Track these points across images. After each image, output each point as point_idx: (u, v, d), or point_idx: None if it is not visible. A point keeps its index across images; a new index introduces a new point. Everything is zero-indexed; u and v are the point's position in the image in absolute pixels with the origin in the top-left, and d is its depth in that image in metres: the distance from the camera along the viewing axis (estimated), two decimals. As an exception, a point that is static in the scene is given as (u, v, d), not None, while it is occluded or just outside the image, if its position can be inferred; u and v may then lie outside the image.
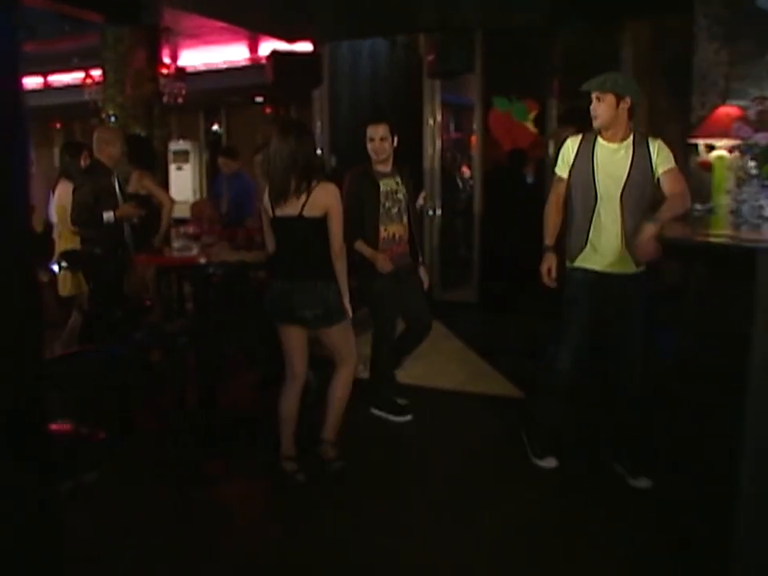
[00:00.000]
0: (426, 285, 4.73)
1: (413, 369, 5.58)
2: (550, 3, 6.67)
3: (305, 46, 8.39)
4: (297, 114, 10.81)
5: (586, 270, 3.70)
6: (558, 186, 3.83)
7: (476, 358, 5.93)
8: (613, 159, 3.62)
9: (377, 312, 4.60)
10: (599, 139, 3.67)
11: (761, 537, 2.36)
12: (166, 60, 9.61)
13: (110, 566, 3.08)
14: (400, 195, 4.50)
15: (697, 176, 5.17)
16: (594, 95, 3.60)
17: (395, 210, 4.49)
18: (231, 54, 10.45)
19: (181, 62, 10.50)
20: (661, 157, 3.59)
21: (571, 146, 3.75)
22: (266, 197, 3.71)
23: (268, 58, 7.77)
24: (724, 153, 4.67)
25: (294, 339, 3.76)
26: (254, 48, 10.20)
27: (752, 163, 3.64)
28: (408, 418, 4.67)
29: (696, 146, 5.15)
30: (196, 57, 10.46)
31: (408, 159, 5.64)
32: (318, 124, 8.33)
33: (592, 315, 3.72)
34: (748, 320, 2.22)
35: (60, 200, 5.63)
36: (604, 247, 3.63)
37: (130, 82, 7.18)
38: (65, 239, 5.67)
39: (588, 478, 3.83)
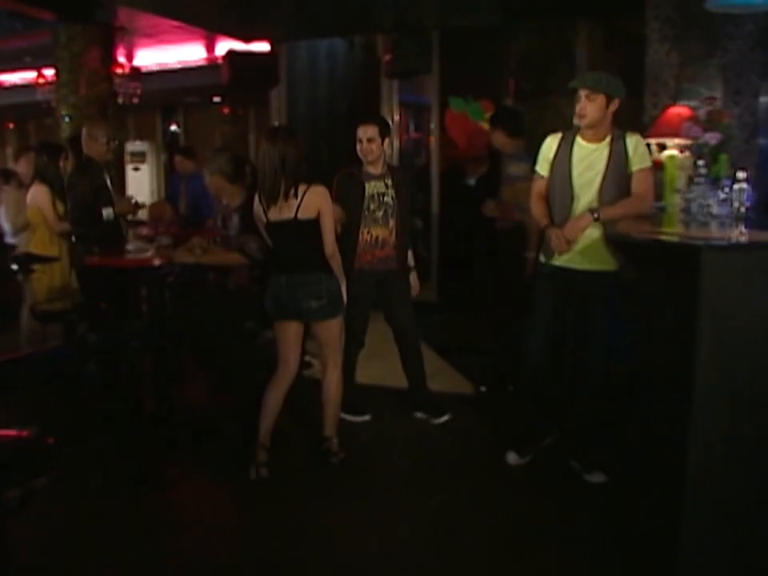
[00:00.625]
0: (415, 291, 4.68)
1: (371, 369, 5.59)
2: (505, 3, 6.74)
3: (262, 46, 8.35)
4: (255, 114, 10.75)
5: (560, 268, 3.72)
6: (539, 184, 3.82)
7: (434, 356, 5.97)
8: (590, 159, 3.63)
9: (348, 311, 4.47)
10: (578, 139, 3.68)
11: (706, 529, 2.41)
12: (121, 59, 9.50)
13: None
14: (388, 198, 4.41)
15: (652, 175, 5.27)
16: (583, 93, 3.55)
17: (380, 212, 4.41)
18: (188, 53, 10.37)
19: (136, 62, 10.39)
20: (637, 155, 3.61)
21: (550, 143, 3.76)
22: (256, 203, 3.83)
23: (224, 57, 7.72)
24: (675, 152, 4.74)
25: (292, 335, 3.91)
26: (210, 48, 10.13)
27: (701, 162, 3.72)
28: (366, 417, 4.67)
29: (648, 145, 5.23)
30: (152, 56, 10.35)
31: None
32: (276, 124, 8.28)
33: (564, 310, 3.76)
34: (694, 317, 2.26)
35: (35, 202, 5.39)
36: (579, 245, 3.64)
37: (83, 82, 7.10)
38: (41, 243, 5.42)
39: (546, 473, 3.86)
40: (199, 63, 10.50)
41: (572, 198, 3.64)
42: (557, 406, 3.94)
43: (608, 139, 3.62)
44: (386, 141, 4.42)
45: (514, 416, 4.33)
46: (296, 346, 3.94)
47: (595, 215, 3.51)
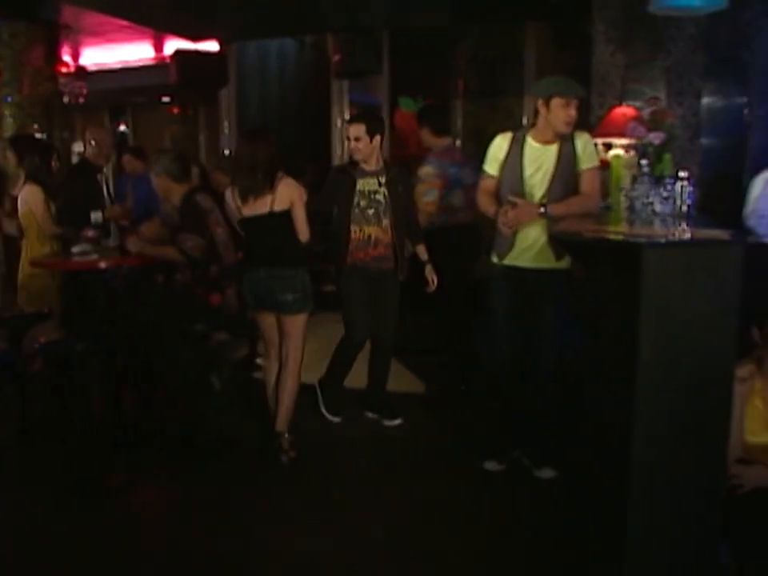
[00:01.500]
0: (431, 287, 4.58)
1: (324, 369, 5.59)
2: (454, 5, 6.77)
3: (210, 46, 8.26)
4: (205, 114, 10.63)
5: (511, 267, 3.75)
6: (487, 183, 3.81)
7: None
8: (541, 160, 3.66)
9: (344, 312, 4.52)
10: (529, 139, 3.70)
11: (651, 520, 2.45)
12: (67, 58, 9.31)
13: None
14: (380, 196, 4.32)
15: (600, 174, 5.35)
16: (574, 101, 3.57)
17: (371, 210, 4.32)
18: (136, 52, 10.18)
19: (83, 61, 10.18)
20: (585, 154, 3.67)
21: (501, 143, 3.76)
22: (229, 198, 3.96)
23: (171, 57, 7.63)
24: (621, 152, 4.82)
25: (269, 324, 4.14)
26: (159, 47, 9.96)
27: (644, 161, 3.78)
28: (339, 419, 4.65)
29: (595, 145, 5.30)
30: (99, 55, 10.15)
31: (317, 159, 5.66)
32: (226, 124, 8.22)
33: (518, 309, 3.79)
34: (637, 313, 2.30)
35: (27, 204, 5.21)
36: (530, 245, 3.68)
37: (27, 81, 6.94)
38: (32, 247, 5.24)
39: (499, 470, 3.90)
40: (147, 62, 10.33)
41: (523, 198, 3.66)
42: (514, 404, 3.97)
43: (558, 141, 3.66)
44: (377, 138, 4.28)
45: (476, 416, 4.36)
46: (275, 333, 4.12)
47: (542, 210, 3.55)
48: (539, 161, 3.66)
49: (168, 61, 8.44)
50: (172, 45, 8.96)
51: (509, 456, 3.93)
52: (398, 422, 4.60)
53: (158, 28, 8.42)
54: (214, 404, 4.11)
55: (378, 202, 4.32)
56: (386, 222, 4.34)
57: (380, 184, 4.33)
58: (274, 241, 3.94)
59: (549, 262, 3.65)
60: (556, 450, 3.83)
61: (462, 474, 3.94)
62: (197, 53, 7.91)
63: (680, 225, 2.98)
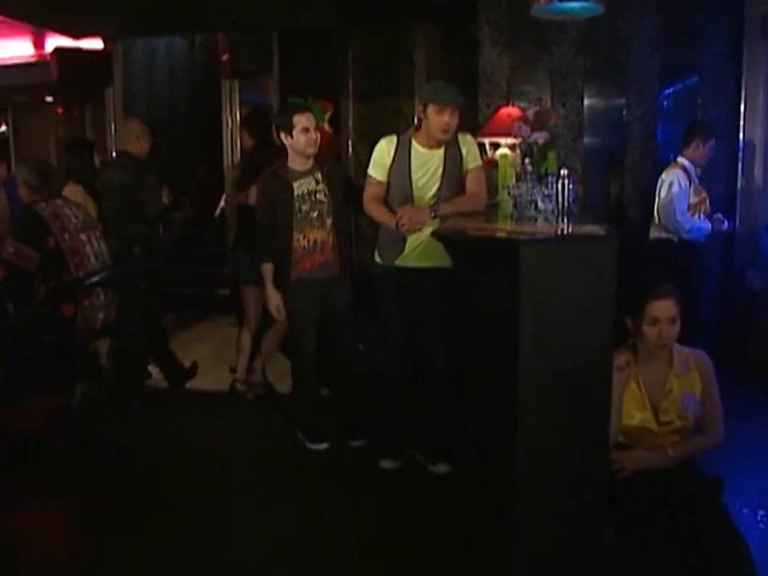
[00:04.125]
0: None
1: (220, 373, 5.52)
2: (343, 5, 6.79)
3: (95, 43, 7.98)
4: (92, 114, 10.26)
5: (396, 267, 3.77)
6: (375, 189, 3.76)
7: (282, 359, 5.95)
8: (429, 164, 3.69)
9: (292, 331, 4.26)
10: (414, 144, 3.71)
11: (537, 510, 2.53)
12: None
13: None
14: (321, 196, 4.05)
15: (485, 173, 5.46)
16: (449, 108, 3.56)
17: (315, 213, 4.03)
18: (15, 49, 9.73)
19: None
20: (470, 155, 3.73)
21: (387, 148, 3.74)
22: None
23: (51, 55, 7.32)
24: (507, 151, 4.93)
25: (254, 296, 4.88)
26: (39, 44, 9.55)
27: (527, 160, 3.88)
28: (324, 446, 4.25)
29: (483, 144, 5.41)
30: (-26, 52, 9.65)
31: (208, 160, 5.56)
32: (112, 125, 7.96)
33: (405, 308, 3.82)
34: (517, 308, 2.36)
35: None
36: (418, 246, 3.70)
37: None
38: None
39: (396, 469, 3.94)
40: (28, 60, 9.88)
41: (412, 202, 3.69)
42: (407, 402, 4.01)
43: (444, 146, 3.70)
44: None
45: (370, 415, 4.36)
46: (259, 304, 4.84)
47: (432, 214, 3.59)
48: (427, 165, 3.70)
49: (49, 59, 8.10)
50: (54, 42, 8.61)
51: (404, 453, 3.96)
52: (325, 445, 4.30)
53: (36, 24, 8.07)
54: (102, 395, 3.98)
55: (320, 202, 4.05)
56: (329, 222, 4.07)
57: (318, 182, 4.07)
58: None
59: (433, 260, 3.69)
60: (451, 445, 3.89)
61: (357, 473, 3.95)
62: (78, 50, 7.62)
63: (561, 221, 3.07)
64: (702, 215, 5.03)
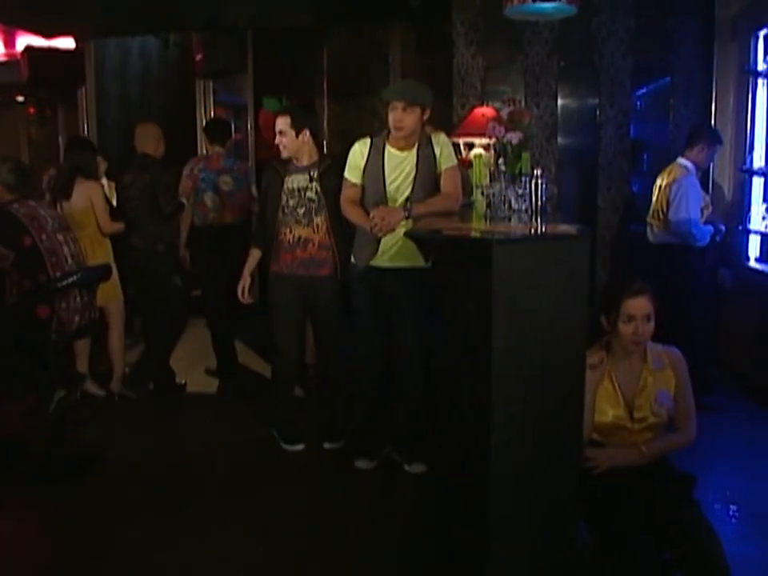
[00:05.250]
0: None
1: (195, 376, 5.49)
2: (318, 5, 6.77)
3: (66, 43, 7.89)
4: (64, 114, 10.15)
5: (369, 267, 3.78)
6: (351, 191, 3.79)
7: (257, 358, 5.98)
8: (402, 166, 3.71)
9: (270, 320, 4.22)
10: (388, 146, 3.73)
11: (512, 507, 2.54)
12: None
13: None
14: (311, 194, 4.00)
15: (459, 173, 5.48)
16: (399, 105, 3.59)
17: (302, 210, 4.00)
18: (-16, 48, 9.61)
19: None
20: (443, 155, 3.74)
21: (360, 150, 3.77)
22: None
23: (22, 54, 7.24)
24: (481, 151, 4.95)
25: None
26: (10, 43, 9.42)
27: (501, 160, 3.90)
28: (300, 447, 4.24)
29: (458, 144, 5.43)
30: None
31: (183, 161, 5.52)
32: (85, 125, 7.88)
33: (379, 308, 3.82)
34: (489, 307, 2.37)
35: (87, 199, 4.90)
36: (393, 246, 3.71)
37: None
38: (97, 245, 4.96)
39: (372, 469, 3.95)
40: (-2, 59, 9.76)
41: (386, 204, 3.70)
42: (380, 402, 4.01)
43: (416, 146, 3.72)
44: (305, 132, 3.99)
45: (345, 415, 4.35)
46: None
47: (406, 213, 3.60)
48: (400, 167, 3.72)
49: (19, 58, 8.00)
50: (24, 41, 8.49)
51: (380, 453, 3.96)
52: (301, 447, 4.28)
53: (7, 23, 7.96)
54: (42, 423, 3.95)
55: (310, 199, 4.01)
56: (317, 220, 4.01)
57: (311, 179, 4.02)
58: None
59: (408, 260, 3.70)
60: (427, 445, 3.90)
61: (333, 473, 3.94)
62: (50, 50, 7.53)
63: (535, 220, 3.09)
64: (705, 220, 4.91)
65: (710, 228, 4.95)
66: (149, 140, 5.13)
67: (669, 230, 4.88)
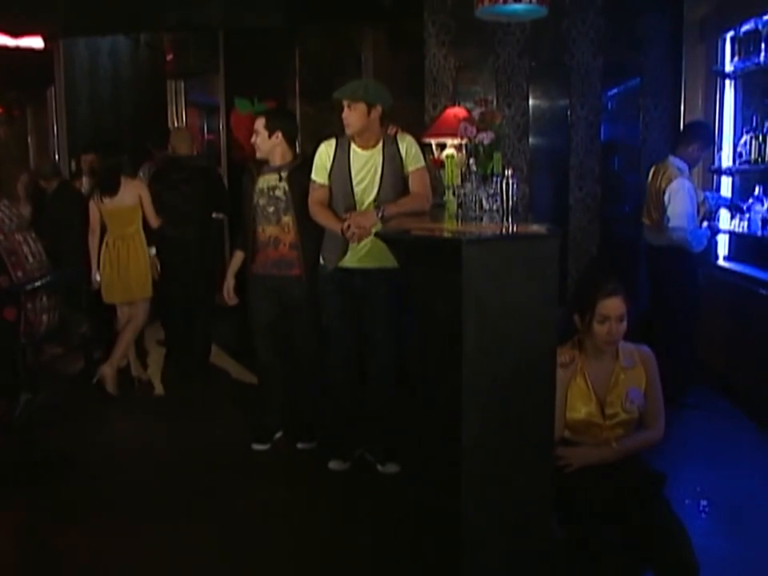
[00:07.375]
0: None
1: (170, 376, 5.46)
2: (290, 5, 6.75)
3: (34, 42, 7.78)
4: (33, 115, 10.02)
5: (338, 269, 3.78)
6: (318, 193, 3.79)
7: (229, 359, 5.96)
8: (368, 166, 3.71)
9: (250, 324, 4.22)
10: (353, 146, 3.73)
11: (484, 505, 2.54)
12: None
13: None
14: (279, 193, 4.01)
15: (431, 173, 5.48)
16: (345, 103, 3.63)
17: (271, 209, 4.02)
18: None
19: None
20: (410, 156, 3.74)
21: (326, 151, 3.78)
22: None
23: (-14, 53, 7.13)
24: (453, 152, 4.96)
25: None
26: (-24, 43, 9.29)
27: (472, 160, 3.91)
28: (266, 447, 4.25)
29: (430, 145, 5.44)
30: None
31: (154, 160, 5.48)
32: (55, 126, 7.78)
33: (349, 309, 3.82)
34: (459, 306, 2.37)
35: (136, 196, 5.18)
36: (362, 247, 3.70)
37: None
38: (138, 242, 5.22)
39: (348, 469, 3.95)
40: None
41: (355, 205, 3.71)
42: (352, 403, 4.00)
43: (380, 145, 3.73)
44: (278, 134, 4.01)
45: (318, 416, 4.35)
46: None
47: (380, 215, 3.59)
48: (366, 166, 3.72)
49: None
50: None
51: (353, 454, 3.96)
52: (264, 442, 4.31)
53: (-27, 22, 7.84)
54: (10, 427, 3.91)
55: (278, 198, 4.03)
56: (285, 219, 4.02)
57: (280, 179, 4.03)
58: None
59: (377, 261, 3.68)
60: (399, 445, 3.90)
61: (305, 474, 3.93)
62: (17, 49, 7.42)
63: (506, 220, 3.10)
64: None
65: (707, 231, 4.92)
66: (185, 142, 5.64)
67: (664, 233, 4.80)
